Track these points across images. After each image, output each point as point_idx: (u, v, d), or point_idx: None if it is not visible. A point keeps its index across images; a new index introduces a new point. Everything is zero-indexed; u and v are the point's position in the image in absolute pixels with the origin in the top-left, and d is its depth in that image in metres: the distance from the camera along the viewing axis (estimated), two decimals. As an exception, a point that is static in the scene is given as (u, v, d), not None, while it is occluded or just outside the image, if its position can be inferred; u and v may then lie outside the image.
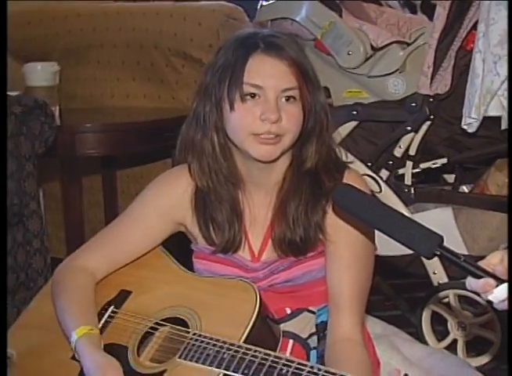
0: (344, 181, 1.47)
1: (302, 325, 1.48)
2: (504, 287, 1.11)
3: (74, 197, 2.75)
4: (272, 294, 1.46)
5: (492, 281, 1.11)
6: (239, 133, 1.43)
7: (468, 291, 2.35)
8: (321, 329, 1.49)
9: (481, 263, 1.16)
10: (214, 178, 1.48)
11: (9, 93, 2.51)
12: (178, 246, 1.60)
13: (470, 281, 1.14)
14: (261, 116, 1.39)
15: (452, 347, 2.38)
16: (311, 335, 1.49)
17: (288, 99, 1.41)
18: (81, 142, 2.67)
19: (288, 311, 1.48)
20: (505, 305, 1.12)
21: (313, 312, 1.50)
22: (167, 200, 1.55)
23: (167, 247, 1.61)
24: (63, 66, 2.90)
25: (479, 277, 1.13)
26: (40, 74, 2.73)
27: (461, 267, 1.16)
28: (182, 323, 1.43)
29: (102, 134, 2.71)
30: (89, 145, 2.68)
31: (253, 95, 1.40)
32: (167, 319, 1.46)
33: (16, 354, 1.52)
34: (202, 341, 1.36)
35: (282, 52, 1.40)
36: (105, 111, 3.10)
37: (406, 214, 2.43)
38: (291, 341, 1.44)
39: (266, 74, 1.40)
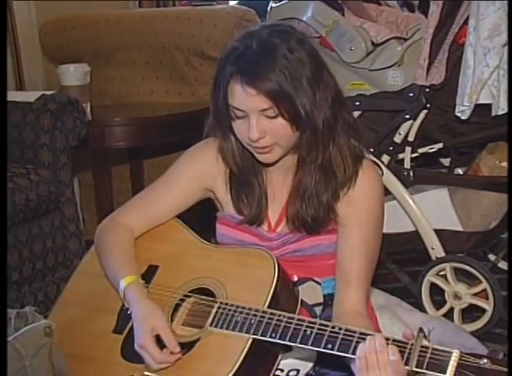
0: (358, 176, 1.44)
1: (308, 293, 1.47)
2: None
3: (105, 185, 2.76)
4: (283, 263, 1.45)
5: None
6: (241, 141, 1.43)
7: (463, 264, 2.36)
8: (327, 300, 1.49)
9: None
10: (240, 166, 1.49)
11: (45, 92, 2.54)
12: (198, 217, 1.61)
13: None
14: (247, 135, 1.37)
15: (448, 314, 2.37)
16: (317, 304, 1.48)
17: (268, 116, 1.36)
18: (110, 135, 2.68)
19: (295, 278, 1.48)
20: None
21: (318, 283, 1.49)
22: (198, 167, 1.54)
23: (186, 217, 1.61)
24: (94, 67, 2.91)
25: None
26: (72, 74, 2.74)
27: None
28: (209, 292, 1.42)
29: (130, 127, 2.72)
30: (118, 137, 2.69)
31: (240, 116, 1.38)
32: (194, 290, 1.45)
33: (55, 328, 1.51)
34: (229, 310, 1.36)
35: (253, 82, 1.32)
36: (131, 107, 3.10)
37: (406, 196, 2.43)
38: (298, 306, 1.43)
39: (242, 100, 1.35)
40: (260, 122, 1.35)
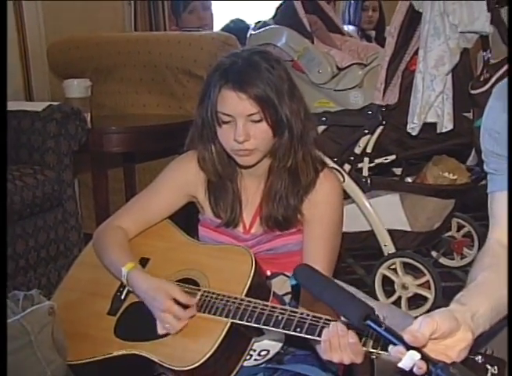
0: (318, 180, 1.45)
1: (279, 285, 1.48)
2: (410, 354, 0.93)
3: (102, 185, 2.73)
4: (258, 260, 1.46)
5: (402, 349, 0.94)
6: (225, 147, 1.44)
7: (411, 259, 2.38)
8: (295, 289, 1.49)
9: (407, 329, 0.97)
10: (220, 172, 1.48)
11: (51, 103, 2.52)
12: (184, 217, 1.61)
13: (389, 348, 0.98)
14: (234, 138, 1.38)
15: (397, 302, 2.41)
16: (286, 294, 1.49)
17: (254, 120, 1.37)
18: (107, 141, 2.66)
19: (268, 273, 1.48)
20: (419, 372, 0.92)
21: (288, 276, 1.49)
22: (183, 177, 1.54)
23: (174, 219, 1.61)
24: (95, 82, 2.89)
25: (395, 344, 0.96)
26: (76, 88, 2.72)
27: (381, 335, 1.00)
28: (194, 282, 1.42)
29: (124, 135, 2.71)
30: (114, 143, 2.68)
31: (226, 121, 1.39)
32: (181, 280, 1.45)
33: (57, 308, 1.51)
34: (211, 297, 1.36)
35: (244, 87, 1.35)
36: (126, 117, 3.09)
37: (364, 200, 2.45)
38: (271, 296, 1.44)
39: (231, 104, 1.36)
40: (245, 126, 1.37)
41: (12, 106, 2.49)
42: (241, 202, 1.50)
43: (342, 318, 1.46)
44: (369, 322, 1.01)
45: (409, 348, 0.94)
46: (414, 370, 0.93)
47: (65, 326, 1.46)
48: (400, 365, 0.94)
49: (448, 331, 0.98)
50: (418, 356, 0.93)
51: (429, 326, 0.96)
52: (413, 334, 0.95)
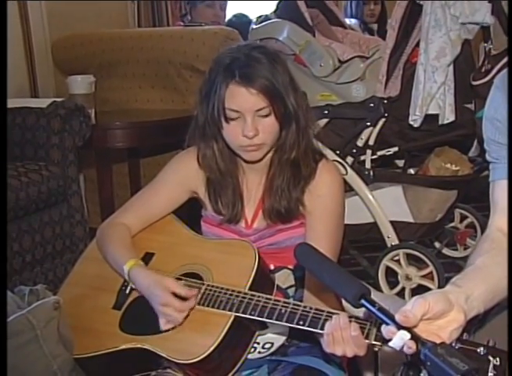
0: (318, 171, 1.44)
1: (282, 278, 1.47)
2: (400, 334, 0.93)
3: (106, 180, 2.73)
4: (261, 254, 1.45)
5: (393, 328, 0.94)
6: (230, 144, 1.43)
7: (414, 250, 2.37)
8: (298, 282, 1.49)
9: (400, 309, 0.97)
10: (222, 169, 1.47)
11: (55, 99, 2.52)
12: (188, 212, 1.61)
13: (382, 328, 0.98)
14: (242, 133, 1.37)
15: (401, 293, 2.41)
16: (290, 287, 1.48)
17: (262, 115, 1.37)
18: (111, 136, 2.66)
19: (272, 267, 1.48)
20: (409, 351, 0.92)
21: (291, 270, 1.49)
22: (184, 173, 1.53)
23: (179, 214, 1.61)
24: (98, 77, 2.89)
25: (388, 324, 0.96)
26: (80, 84, 2.71)
27: (374, 314, 1.00)
28: (198, 276, 1.42)
29: (128, 130, 2.70)
30: (118, 139, 2.68)
31: (234, 118, 1.37)
32: (185, 274, 1.44)
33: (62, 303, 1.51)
34: (215, 291, 1.35)
35: (253, 82, 1.34)
36: (130, 113, 3.08)
37: (367, 192, 2.45)
38: (274, 290, 1.43)
39: (241, 100, 1.34)
40: (254, 121, 1.36)
41: (16, 103, 2.50)
42: (243, 198, 1.49)
43: (342, 301, 1.46)
44: (363, 301, 1.02)
45: (400, 328, 0.94)
46: (404, 349, 0.93)
47: (71, 320, 1.46)
48: (390, 344, 0.94)
49: (440, 312, 0.98)
50: (408, 335, 0.93)
51: (421, 307, 0.97)
52: (405, 314, 0.95)
